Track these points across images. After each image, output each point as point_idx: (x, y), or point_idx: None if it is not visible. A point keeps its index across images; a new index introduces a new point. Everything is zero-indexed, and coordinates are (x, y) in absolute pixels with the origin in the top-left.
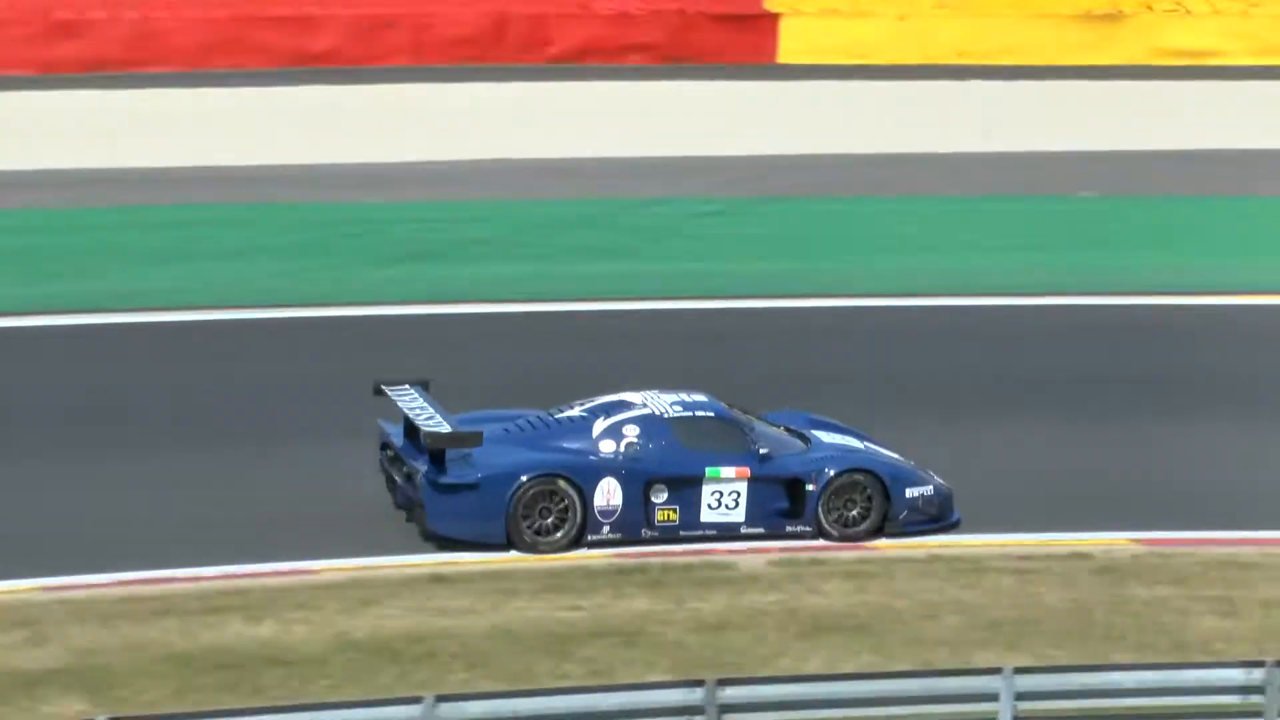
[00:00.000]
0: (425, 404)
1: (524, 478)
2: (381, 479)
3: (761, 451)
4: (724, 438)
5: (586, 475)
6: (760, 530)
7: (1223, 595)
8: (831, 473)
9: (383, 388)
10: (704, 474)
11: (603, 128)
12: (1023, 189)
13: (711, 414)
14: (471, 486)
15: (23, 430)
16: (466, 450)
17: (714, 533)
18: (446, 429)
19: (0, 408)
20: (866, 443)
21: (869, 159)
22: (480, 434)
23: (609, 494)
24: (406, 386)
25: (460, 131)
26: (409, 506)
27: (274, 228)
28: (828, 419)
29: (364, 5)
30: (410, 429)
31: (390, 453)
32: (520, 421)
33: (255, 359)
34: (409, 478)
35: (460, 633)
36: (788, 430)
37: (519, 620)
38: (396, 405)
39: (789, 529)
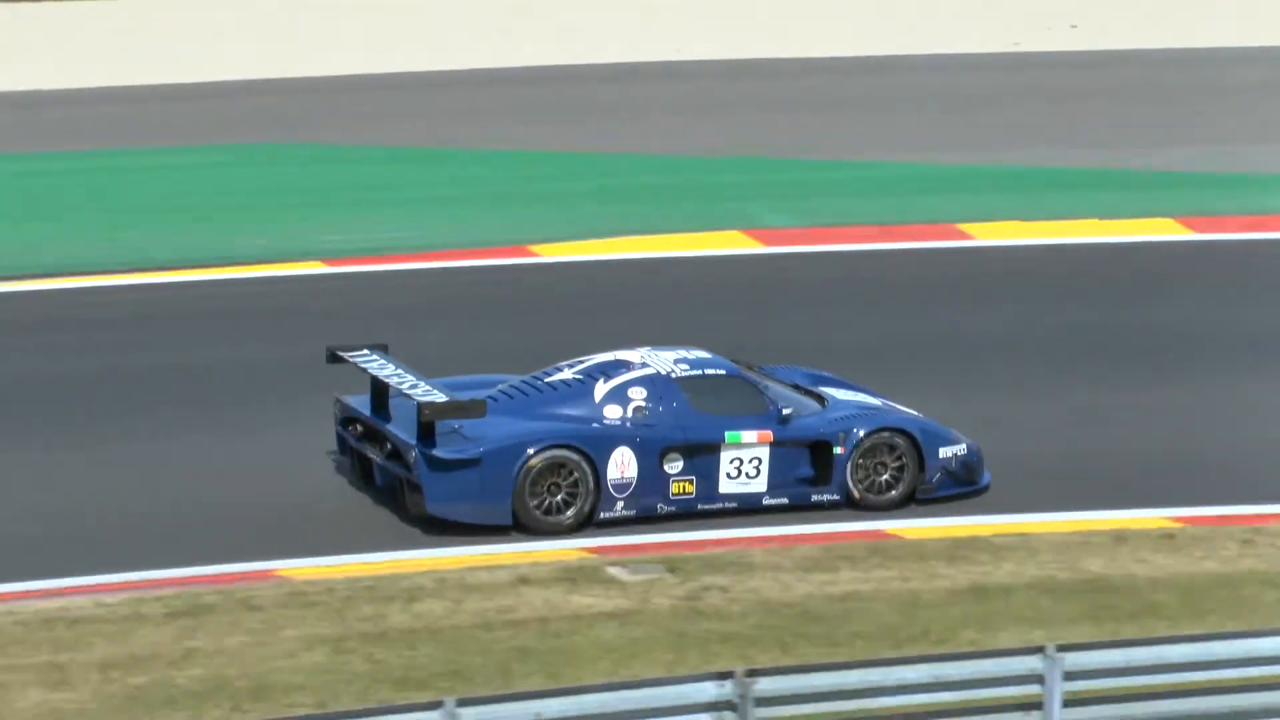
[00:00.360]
0: (403, 370)
1: (530, 450)
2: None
3: (784, 412)
4: (740, 398)
5: (598, 445)
6: (784, 500)
7: (51, 661)
8: (861, 433)
9: (340, 354)
10: (723, 439)
11: None
12: None
13: (722, 371)
14: (473, 462)
15: None
16: (456, 422)
17: (734, 505)
18: (443, 399)
19: None
20: (882, 399)
21: None
22: (484, 403)
23: (623, 465)
24: (366, 351)
25: None
26: (394, 487)
27: None
28: (830, 374)
29: None
30: (379, 399)
31: (358, 429)
32: (506, 388)
33: None
34: (395, 455)
35: None
36: (798, 388)
37: None
38: (364, 372)
39: (814, 498)
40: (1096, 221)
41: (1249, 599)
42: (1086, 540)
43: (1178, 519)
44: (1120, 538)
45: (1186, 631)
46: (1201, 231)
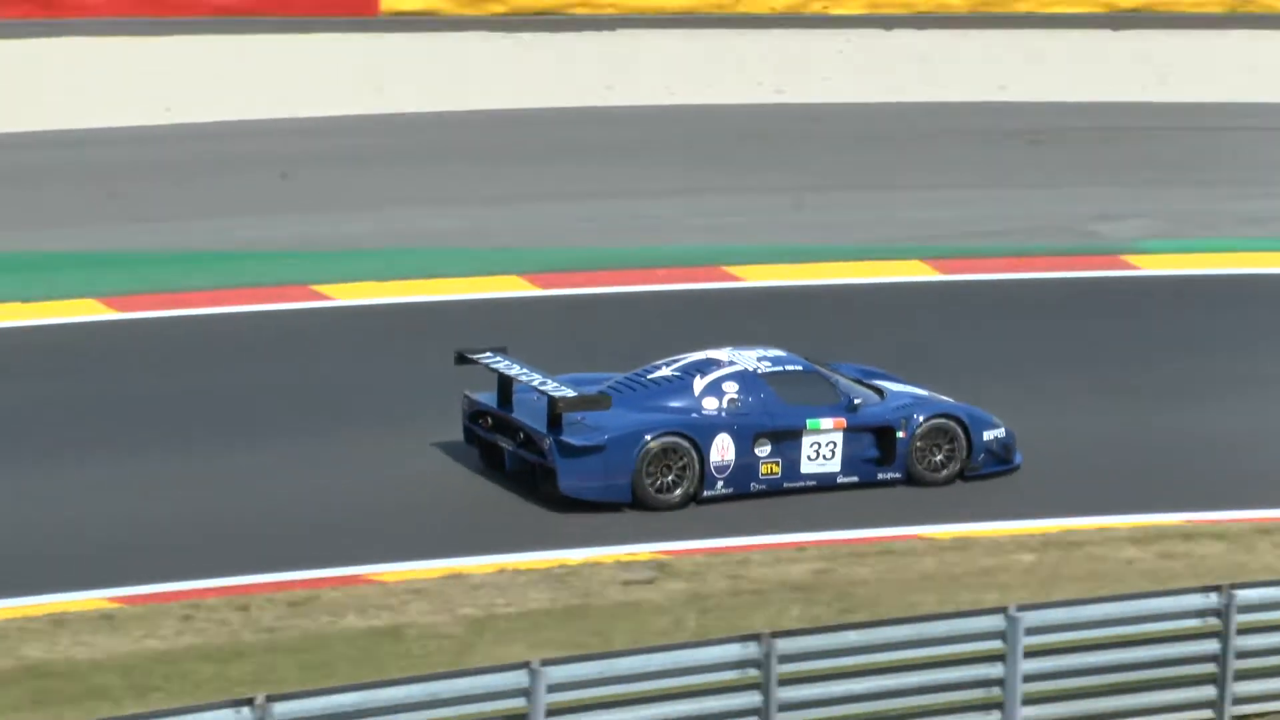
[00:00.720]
0: (529, 369)
1: (648, 437)
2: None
3: (854, 401)
4: (816, 390)
5: (703, 432)
6: (854, 479)
7: None
8: (921, 419)
9: (468, 356)
10: (804, 426)
11: None
12: None
13: (799, 367)
14: (599, 449)
15: None
16: (578, 414)
17: (813, 484)
18: (573, 393)
19: None
20: (926, 390)
21: None
22: (609, 397)
23: (723, 450)
24: (490, 353)
25: None
26: (523, 471)
27: None
28: (875, 368)
29: None
30: (505, 394)
31: (487, 421)
32: (614, 384)
33: None
34: (526, 442)
35: None
36: (859, 382)
37: None
38: (493, 371)
39: (880, 476)
40: (20, 305)
41: (190, 674)
42: (24, 626)
43: (116, 599)
44: (59, 621)
45: (130, 712)
46: (123, 310)
